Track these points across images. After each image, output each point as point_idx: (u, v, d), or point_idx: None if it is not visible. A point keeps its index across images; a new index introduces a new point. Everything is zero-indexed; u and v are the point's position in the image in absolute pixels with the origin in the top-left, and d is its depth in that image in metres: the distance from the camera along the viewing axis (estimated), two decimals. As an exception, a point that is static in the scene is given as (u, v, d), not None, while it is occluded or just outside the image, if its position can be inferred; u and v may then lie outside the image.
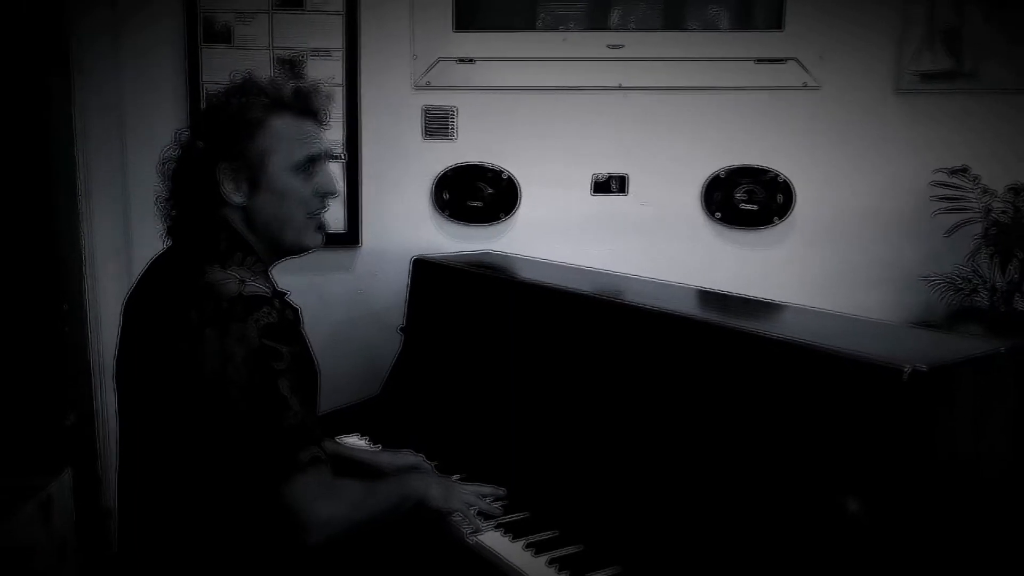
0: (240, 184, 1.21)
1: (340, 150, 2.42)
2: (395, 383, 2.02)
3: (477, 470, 1.60)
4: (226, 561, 1.16)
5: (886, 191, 2.35)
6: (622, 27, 2.33)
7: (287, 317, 1.17)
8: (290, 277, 2.43)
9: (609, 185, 2.39)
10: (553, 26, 2.33)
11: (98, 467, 2.31)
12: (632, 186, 2.40)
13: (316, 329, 2.48)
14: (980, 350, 1.13)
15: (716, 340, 1.28)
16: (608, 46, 2.32)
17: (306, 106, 1.26)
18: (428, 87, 2.38)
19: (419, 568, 1.53)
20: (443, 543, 1.40)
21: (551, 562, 1.28)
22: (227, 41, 2.37)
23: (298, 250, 1.30)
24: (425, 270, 2.07)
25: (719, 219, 2.38)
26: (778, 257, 2.40)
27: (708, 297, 1.75)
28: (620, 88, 2.34)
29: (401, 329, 2.07)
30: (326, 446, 1.43)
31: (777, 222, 2.36)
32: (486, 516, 1.41)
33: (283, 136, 1.22)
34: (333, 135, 2.41)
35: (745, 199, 2.36)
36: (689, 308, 1.55)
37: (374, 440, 1.84)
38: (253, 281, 1.16)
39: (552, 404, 1.56)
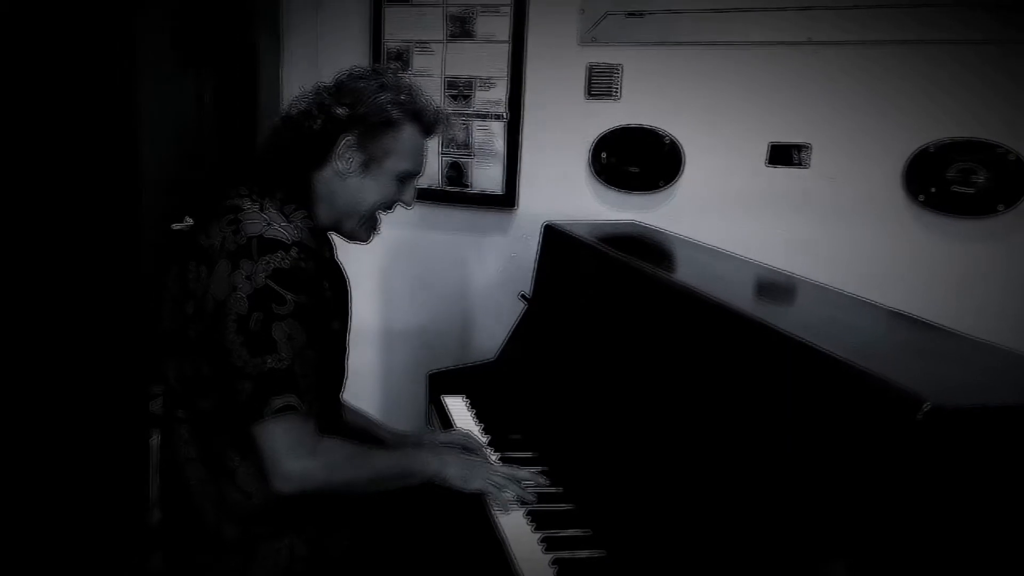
0: (353, 161, 1.27)
1: (503, 109, 2.36)
2: (508, 351, 1.94)
3: (547, 453, 1.49)
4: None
5: None
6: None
7: (302, 267, 1.14)
8: (451, 236, 2.49)
9: (788, 155, 2.08)
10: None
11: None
12: (815, 158, 2.05)
13: (469, 289, 2.53)
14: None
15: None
16: (798, -7, 2.00)
17: (432, 129, 1.34)
18: (594, 43, 2.23)
19: (449, 542, 1.46)
20: (473, 521, 1.31)
21: (554, 562, 1.14)
22: (405, 2, 2.41)
23: (347, 238, 1.36)
24: (553, 237, 1.95)
25: (923, 203, 1.95)
26: (1003, 253, 1.92)
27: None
28: (809, 43, 2.01)
29: (522, 296, 1.98)
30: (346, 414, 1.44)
31: (1003, 210, 1.89)
32: (522, 502, 1.30)
33: (408, 145, 1.30)
34: (496, 94, 2.37)
35: (960, 180, 1.91)
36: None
37: (473, 404, 1.79)
38: (282, 227, 1.17)
39: (635, 404, 1.37)
